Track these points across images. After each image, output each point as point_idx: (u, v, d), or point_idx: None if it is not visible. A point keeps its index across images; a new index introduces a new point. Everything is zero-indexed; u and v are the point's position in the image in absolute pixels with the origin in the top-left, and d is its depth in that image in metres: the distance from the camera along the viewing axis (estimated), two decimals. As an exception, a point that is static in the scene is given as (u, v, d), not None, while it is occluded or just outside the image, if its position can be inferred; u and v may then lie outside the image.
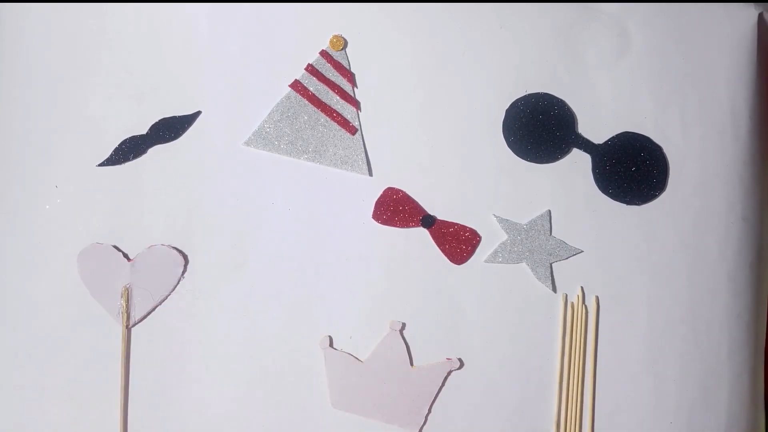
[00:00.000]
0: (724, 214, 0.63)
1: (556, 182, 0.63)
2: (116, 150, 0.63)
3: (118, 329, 0.62)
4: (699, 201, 0.63)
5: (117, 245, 0.62)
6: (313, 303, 0.63)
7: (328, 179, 0.63)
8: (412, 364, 0.62)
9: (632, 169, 0.63)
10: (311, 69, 0.63)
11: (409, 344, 0.62)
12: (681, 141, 0.64)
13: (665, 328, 0.63)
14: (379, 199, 0.63)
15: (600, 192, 0.63)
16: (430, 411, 0.62)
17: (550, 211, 0.63)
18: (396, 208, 0.62)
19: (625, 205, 0.63)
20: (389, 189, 0.63)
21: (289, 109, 0.63)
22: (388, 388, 0.62)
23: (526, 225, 0.63)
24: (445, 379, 0.62)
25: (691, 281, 0.63)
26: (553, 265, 0.63)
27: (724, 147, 0.63)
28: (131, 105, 0.63)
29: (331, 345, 0.62)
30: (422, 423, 0.62)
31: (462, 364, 0.62)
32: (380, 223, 0.63)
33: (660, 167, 0.63)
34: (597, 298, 0.63)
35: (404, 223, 0.63)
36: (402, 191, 0.63)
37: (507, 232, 0.63)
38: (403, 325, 0.62)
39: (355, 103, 0.63)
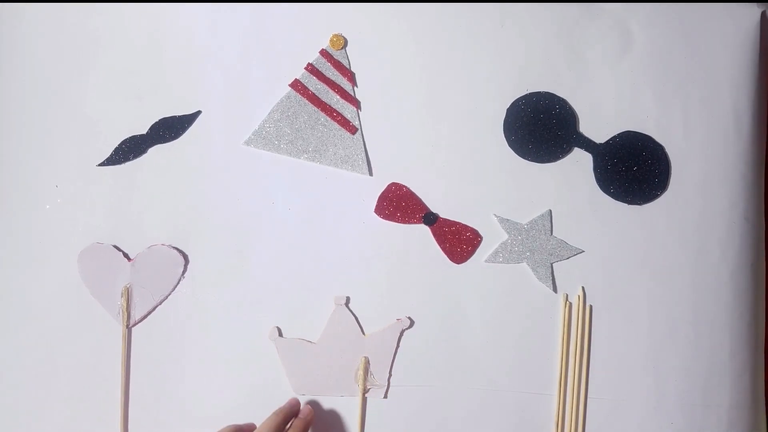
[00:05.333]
0: (726, 213, 0.63)
1: (558, 182, 0.63)
2: (116, 150, 0.63)
3: (118, 329, 0.62)
4: (701, 200, 0.63)
5: (117, 245, 0.62)
6: (312, 302, 0.63)
7: (328, 179, 0.63)
8: (363, 333, 0.62)
9: (634, 169, 0.63)
10: (311, 68, 0.63)
11: (410, 343, 0.62)
12: (683, 140, 0.63)
13: (666, 328, 0.63)
14: (383, 193, 0.63)
15: (601, 191, 0.63)
16: (390, 374, 0.62)
17: (551, 210, 0.63)
18: (399, 204, 0.62)
19: (626, 204, 0.63)
20: (393, 184, 0.63)
21: (289, 108, 0.63)
22: (346, 361, 0.62)
23: (527, 225, 0.63)
24: (399, 339, 0.62)
25: (693, 281, 0.63)
26: (553, 265, 0.63)
27: (727, 146, 0.63)
28: (131, 105, 0.63)
29: (280, 335, 0.62)
30: (386, 386, 0.62)
31: (412, 323, 0.62)
32: (382, 217, 0.63)
33: (662, 167, 0.63)
34: (591, 307, 0.63)
35: (406, 219, 0.62)
36: (406, 187, 0.63)
37: (508, 232, 0.63)
38: (348, 299, 0.62)
39: (356, 103, 0.63)
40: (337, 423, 0.62)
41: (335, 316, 0.62)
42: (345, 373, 0.62)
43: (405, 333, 0.62)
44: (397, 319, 0.62)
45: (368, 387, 0.62)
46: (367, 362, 0.62)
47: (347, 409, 0.62)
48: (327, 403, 0.62)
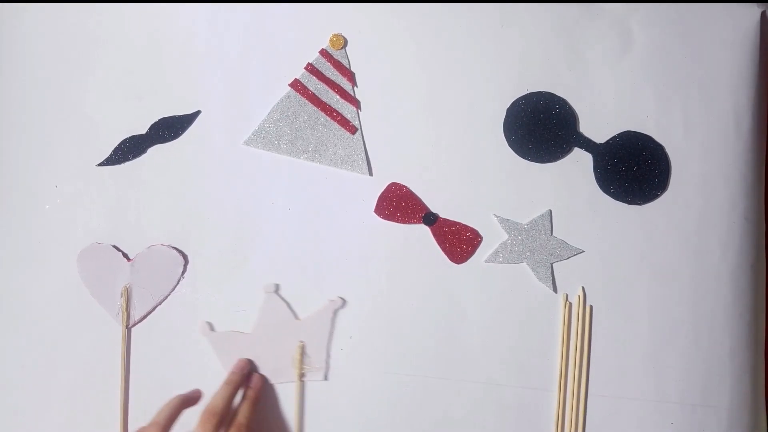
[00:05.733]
0: (726, 213, 0.63)
1: (558, 182, 0.63)
2: (116, 150, 0.63)
3: (118, 329, 0.62)
4: (701, 200, 0.63)
5: (117, 245, 0.62)
6: (312, 302, 0.62)
7: (328, 179, 0.63)
8: (297, 318, 0.62)
9: (634, 169, 0.63)
10: (311, 68, 0.63)
11: (409, 344, 0.62)
12: (683, 140, 0.63)
13: (666, 329, 0.63)
14: (382, 193, 0.63)
15: (601, 191, 0.63)
16: (329, 355, 0.62)
17: (551, 210, 0.63)
18: (399, 204, 0.62)
19: (626, 204, 0.63)
20: (393, 184, 0.63)
21: (289, 108, 0.63)
22: (283, 347, 0.62)
23: (527, 225, 0.63)
24: (334, 319, 0.62)
25: (693, 281, 0.63)
26: (553, 265, 0.63)
27: (727, 146, 0.63)
28: (131, 105, 0.63)
29: (211, 329, 0.62)
30: (325, 367, 0.62)
31: (344, 303, 0.62)
32: (382, 218, 0.63)
33: (662, 166, 0.63)
34: (591, 307, 0.63)
35: (406, 219, 0.62)
36: (406, 187, 0.63)
37: (508, 232, 0.63)
38: (277, 286, 0.62)
39: (355, 103, 0.63)
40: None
41: (266, 305, 0.62)
42: (282, 359, 0.62)
43: (404, 332, 0.62)
44: (330, 300, 0.62)
45: (305, 370, 0.62)
46: (303, 346, 0.62)
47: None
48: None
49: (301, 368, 0.62)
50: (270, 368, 0.62)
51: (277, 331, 0.62)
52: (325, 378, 0.62)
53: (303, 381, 0.62)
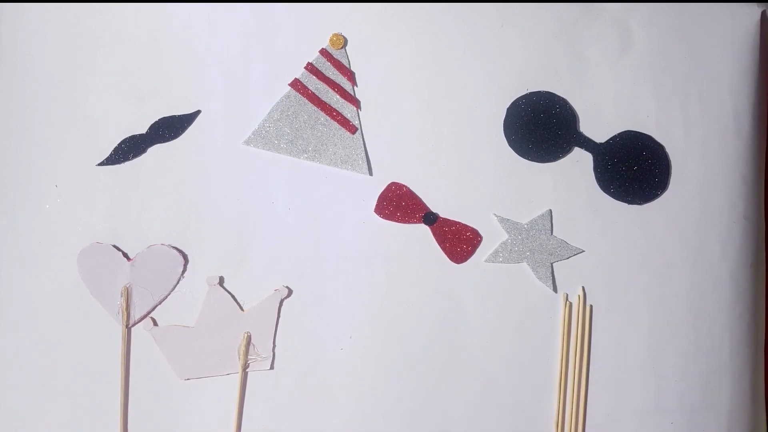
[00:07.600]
0: (726, 213, 0.63)
1: (558, 181, 0.63)
2: (116, 149, 0.63)
3: (118, 329, 0.62)
4: (701, 200, 0.63)
5: (117, 245, 0.62)
6: (312, 302, 0.63)
7: (328, 179, 0.63)
8: (242, 309, 0.62)
9: (634, 168, 0.63)
10: (311, 68, 0.63)
11: (409, 343, 0.62)
12: (683, 140, 0.63)
13: (666, 328, 0.63)
14: (382, 193, 0.63)
15: (601, 191, 0.63)
16: (275, 344, 0.62)
17: (551, 210, 0.63)
18: (399, 203, 0.62)
19: (626, 204, 0.63)
20: (393, 183, 0.63)
21: (289, 108, 0.63)
22: (227, 339, 0.62)
23: (527, 224, 0.63)
24: (279, 309, 0.62)
25: (693, 281, 0.63)
26: (554, 264, 0.63)
27: (727, 146, 0.63)
28: (131, 104, 0.63)
29: (155, 324, 0.62)
30: (272, 357, 0.62)
31: (290, 292, 0.62)
32: (382, 217, 0.63)
33: (662, 166, 0.63)
34: (591, 307, 0.63)
35: (406, 219, 0.62)
36: (406, 186, 0.63)
37: (508, 232, 0.63)
38: (221, 279, 0.62)
39: (355, 102, 0.63)
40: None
41: (210, 297, 0.62)
42: (228, 351, 0.62)
43: (404, 332, 0.62)
44: (275, 290, 0.62)
45: (250, 361, 0.62)
46: (248, 337, 0.62)
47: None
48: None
49: (246, 359, 0.62)
50: (215, 360, 0.62)
51: (222, 324, 0.62)
52: (272, 367, 0.62)
53: (247, 372, 0.62)
